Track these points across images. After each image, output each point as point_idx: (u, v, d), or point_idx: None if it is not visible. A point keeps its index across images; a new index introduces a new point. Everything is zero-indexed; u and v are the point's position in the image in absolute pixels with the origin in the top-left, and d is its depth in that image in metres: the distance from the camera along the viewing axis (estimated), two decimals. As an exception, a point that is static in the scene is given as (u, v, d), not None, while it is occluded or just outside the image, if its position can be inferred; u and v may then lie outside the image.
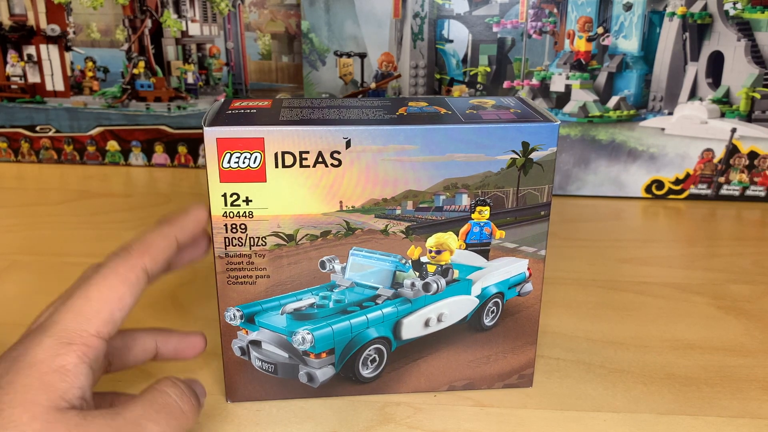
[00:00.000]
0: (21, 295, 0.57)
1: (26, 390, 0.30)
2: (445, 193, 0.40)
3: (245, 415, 0.43)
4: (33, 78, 0.88)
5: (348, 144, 0.38)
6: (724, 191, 0.80)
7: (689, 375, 0.47)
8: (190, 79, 0.87)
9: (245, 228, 0.40)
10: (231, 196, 0.39)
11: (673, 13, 0.74)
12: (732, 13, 0.74)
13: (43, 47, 0.87)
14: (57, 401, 0.30)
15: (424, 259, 0.41)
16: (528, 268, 0.43)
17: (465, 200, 0.40)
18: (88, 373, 0.32)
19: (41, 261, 0.64)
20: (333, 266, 0.41)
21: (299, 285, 0.41)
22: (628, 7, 0.75)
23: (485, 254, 0.42)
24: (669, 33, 0.75)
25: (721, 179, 0.80)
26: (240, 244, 0.40)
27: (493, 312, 0.43)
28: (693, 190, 0.80)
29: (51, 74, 0.88)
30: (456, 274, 0.42)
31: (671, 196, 0.81)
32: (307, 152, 0.38)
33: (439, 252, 0.41)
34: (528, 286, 0.43)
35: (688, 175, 0.80)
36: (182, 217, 0.39)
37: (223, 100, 0.44)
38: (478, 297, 0.43)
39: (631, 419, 0.43)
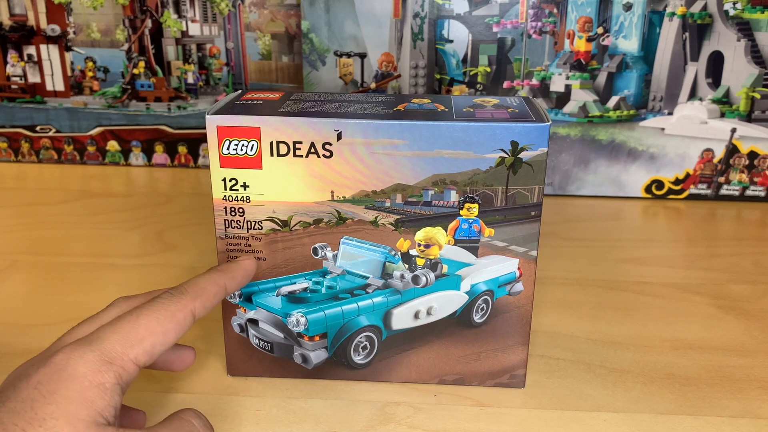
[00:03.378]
0: (21, 295, 0.58)
1: (68, 403, 0.30)
2: (433, 189, 0.41)
3: (245, 414, 0.43)
4: (33, 78, 0.88)
5: (339, 136, 0.39)
6: (724, 191, 0.80)
7: (689, 375, 0.47)
8: (191, 79, 0.87)
9: (243, 212, 0.42)
10: (230, 180, 0.41)
11: (673, 13, 0.75)
12: (732, 13, 0.74)
13: (43, 47, 0.87)
14: (96, 417, 0.31)
15: (413, 252, 0.42)
16: (519, 268, 0.43)
17: (453, 196, 0.41)
18: (120, 395, 0.33)
19: (41, 261, 0.64)
20: (325, 253, 0.43)
21: (293, 269, 0.43)
22: (628, 7, 0.75)
23: (474, 251, 0.42)
24: (669, 33, 0.75)
25: (721, 179, 0.80)
26: (238, 226, 0.42)
27: (482, 309, 0.44)
28: (693, 190, 0.80)
29: (51, 74, 0.88)
30: (445, 269, 0.42)
31: (671, 196, 0.81)
32: (300, 142, 0.40)
33: (428, 246, 0.42)
34: (518, 286, 0.43)
35: (688, 175, 0.80)
36: (233, 267, 0.41)
37: (240, 91, 0.46)
38: (467, 293, 0.43)
39: (631, 419, 0.43)
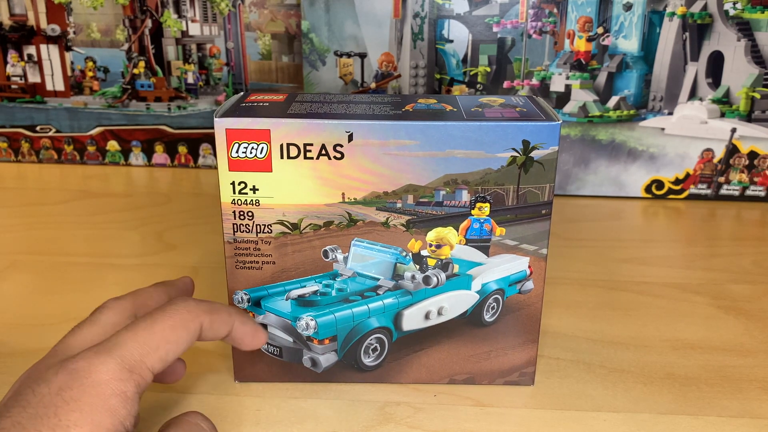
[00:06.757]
0: (21, 295, 0.58)
1: (92, 410, 0.30)
2: (445, 189, 0.40)
3: (245, 414, 0.43)
4: (33, 78, 0.88)
5: (350, 138, 0.39)
6: (724, 191, 0.80)
7: (689, 375, 0.47)
8: (191, 79, 0.87)
9: (252, 215, 0.41)
10: (239, 184, 0.40)
11: (673, 13, 0.75)
12: (732, 13, 0.74)
13: (43, 47, 0.87)
14: (118, 426, 0.30)
15: (424, 252, 0.42)
16: (529, 266, 0.43)
17: (465, 196, 0.41)
18: (138, 404, 0.32)
19: (41, 261, 0.64)
20: (335, 256, 0.42)
21: (303, 272, 0.43)
22: (628, 7, 0.75)
23: (485, 250, 0.42)
24: (669, 33, 0.75)
25: (721, 179, 0.80)
26: (247, 230, 0.41)
27: (493, 308, 0.44)
28: (693, 190, 0.80)
29: (51, 74, 0.88)
30: (456, 268, 0.42)
31: (671, 196, 0.81)
32: (311, 144, 0.39)
33: (439, 246, 0.42)
34: (529, 284, 0.43)
35: (688, 175, 0.80)
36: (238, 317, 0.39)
37: (242, 93, 0.45)
38: (478, 292, 0.43)
39: (631, 419, 0.43)
